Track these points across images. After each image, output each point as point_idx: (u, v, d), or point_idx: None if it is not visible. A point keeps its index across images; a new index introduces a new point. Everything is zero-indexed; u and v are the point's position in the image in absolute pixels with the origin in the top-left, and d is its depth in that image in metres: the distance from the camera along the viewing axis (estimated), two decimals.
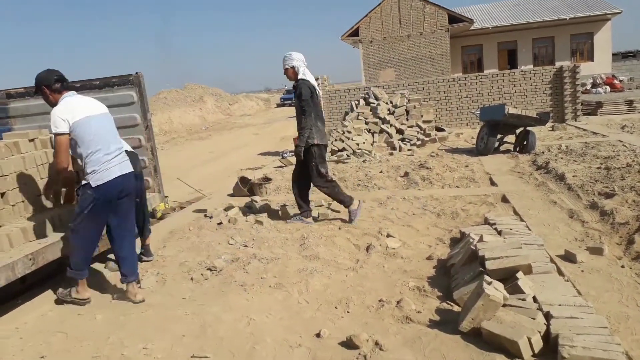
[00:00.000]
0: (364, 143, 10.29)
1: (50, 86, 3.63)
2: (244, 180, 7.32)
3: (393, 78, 25.34)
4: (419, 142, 10.86)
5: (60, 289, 3.88)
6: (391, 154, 10.20)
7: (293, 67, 5.16)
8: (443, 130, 12.38)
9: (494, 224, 4.65)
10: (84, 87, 5.17)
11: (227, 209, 6.08)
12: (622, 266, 3.64)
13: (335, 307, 3.38)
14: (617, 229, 4.43)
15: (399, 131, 11.10)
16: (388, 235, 4.78)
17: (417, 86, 13.56)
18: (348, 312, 3.30)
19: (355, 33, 25.63)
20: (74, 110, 3.57)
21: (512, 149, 9.30)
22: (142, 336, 3.17)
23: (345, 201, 5.36)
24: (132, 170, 3.86)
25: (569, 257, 3.83)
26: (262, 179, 7.32)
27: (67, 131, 3.52)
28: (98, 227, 3.72)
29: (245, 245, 4.75)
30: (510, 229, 4.41)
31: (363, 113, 11.14)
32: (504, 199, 5.91)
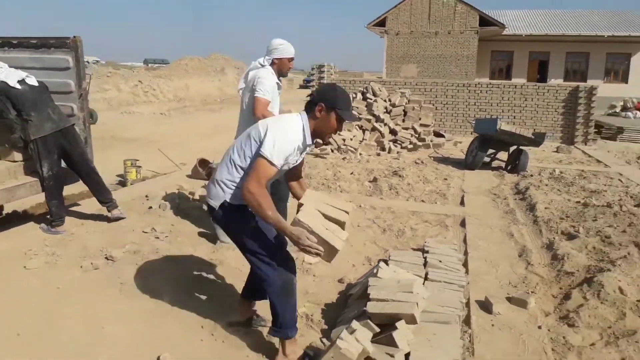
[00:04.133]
0: (351, 139, 9.83)
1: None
2: (203, 162, 6.97)
3: (415, 74, 24.60)
4: (410, 146, 10.33)
5: None
6: (378, 154, 9.74)
7: None
8: (442, 136, 11.82)
9: (427, 252, 4.21)
10: (21, 45, 4.86)
11: (168, 193, 5.76)
12: (540, 326, 3.18)
13: (202, 327, 3.01)
14: (560, 279, 3.96)
15: (392, 132, 10.59)
16: None
17: (424, 87, 12.95)
18: (202, 326, 2.94)
19: (382, 23, 24.87)
20: None
21: (503, 166, 8.76)
22: None
23: (52, 214, 4.57)
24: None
25: (487, 306, 3.39)
26: None
27: None
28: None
29: (157, 237, 4.41)
30: (440, 261, 3.96)
31: (357, 108, 10.66)
32: (463, 223, 5.45)
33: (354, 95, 11.18)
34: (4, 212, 5.62)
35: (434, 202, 6.34)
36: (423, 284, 3.57)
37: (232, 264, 3.94)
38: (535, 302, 3.51)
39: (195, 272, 3.75)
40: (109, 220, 4.80)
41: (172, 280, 3.59)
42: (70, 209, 5.33)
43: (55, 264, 3.87)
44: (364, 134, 10.35)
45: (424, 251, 4.26)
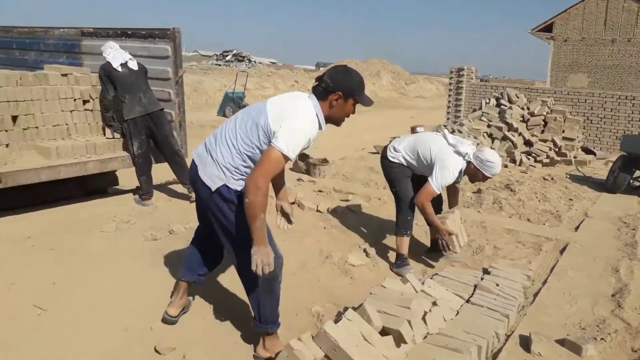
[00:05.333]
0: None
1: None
2: (303, 156, 7.08)
3: (585, 85, 22.02)
4: (546, 160, 9.24)
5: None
6: (505, 165, 8.88)
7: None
8: (593, 153, 10.37)
9: (489, 273, 3.71)
10: (134, 35, 5.43)
11: None
12: None
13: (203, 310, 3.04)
14: None
15: (527, 143, 9.59)
16: (365, 249, 4.15)
17: (578, 97, 11.48)
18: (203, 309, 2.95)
19: (548, 28, 22.72)
20: None
21: None
22: (35, 271, 3.30)
23: (142, 188, 5.07)
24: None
25: (527, 343, 2.85)
26: (320, 160, 7.00)
27: None
28: None
29: None
30: (497, 285, 3.47)
31: (488, 114, 9.87)
32: (564, 250, 4.68)
33: (487, 101, 10.39)
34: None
35: (543, 222, 5.57)
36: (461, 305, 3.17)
37: None
38: (599, 351, 2.87)
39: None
40: (190, 200, 5.13)
41: None
42: (169, 186, 5.83)
43: (125, 230, 4.24)
44: (492, 142, 9.55)
45: (486, 272, 3.78)
